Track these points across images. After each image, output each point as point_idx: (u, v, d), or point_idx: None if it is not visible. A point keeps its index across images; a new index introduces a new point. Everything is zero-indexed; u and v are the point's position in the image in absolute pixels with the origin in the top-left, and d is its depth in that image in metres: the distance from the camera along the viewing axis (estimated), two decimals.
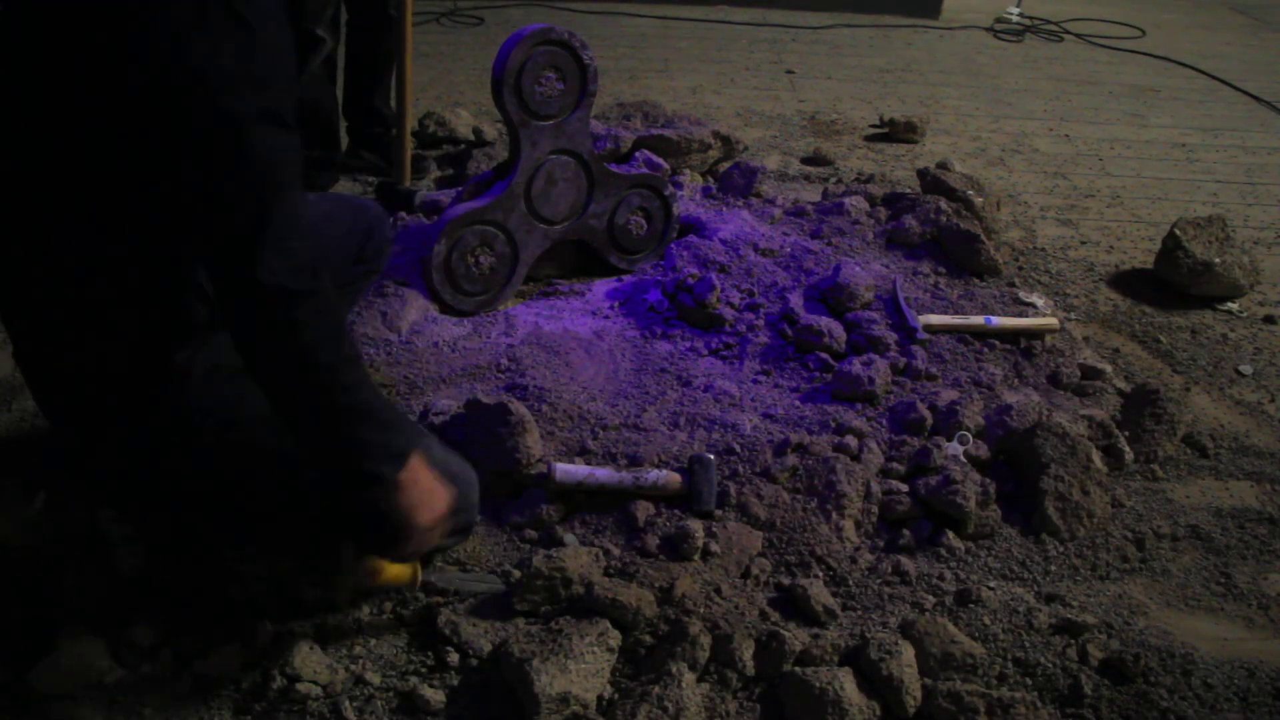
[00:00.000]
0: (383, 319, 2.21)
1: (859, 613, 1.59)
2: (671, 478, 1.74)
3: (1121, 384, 2.19)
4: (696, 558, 1.63)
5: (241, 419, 1.35)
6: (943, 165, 3.02)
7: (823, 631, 1.53)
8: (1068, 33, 5.24)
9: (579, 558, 1.58)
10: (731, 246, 2.48)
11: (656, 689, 1.37)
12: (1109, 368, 2.23)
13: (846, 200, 2.75)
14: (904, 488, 1.79)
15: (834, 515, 1.72)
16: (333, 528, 1.47)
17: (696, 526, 1.66)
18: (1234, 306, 2.64)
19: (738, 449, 1.85)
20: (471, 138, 3.26)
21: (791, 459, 1.81)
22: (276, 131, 1.12)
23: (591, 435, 1.88)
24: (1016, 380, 2.16)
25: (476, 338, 2.23)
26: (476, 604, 1.56)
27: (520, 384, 1.99)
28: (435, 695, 1.40)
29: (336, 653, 1.47)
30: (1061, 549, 1.74)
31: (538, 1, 5.08)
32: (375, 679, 1.43)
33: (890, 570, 1.66)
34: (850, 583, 1.64)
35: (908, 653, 1.44)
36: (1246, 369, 2.37)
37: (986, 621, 1.55)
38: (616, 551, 1.66)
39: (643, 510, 1.72)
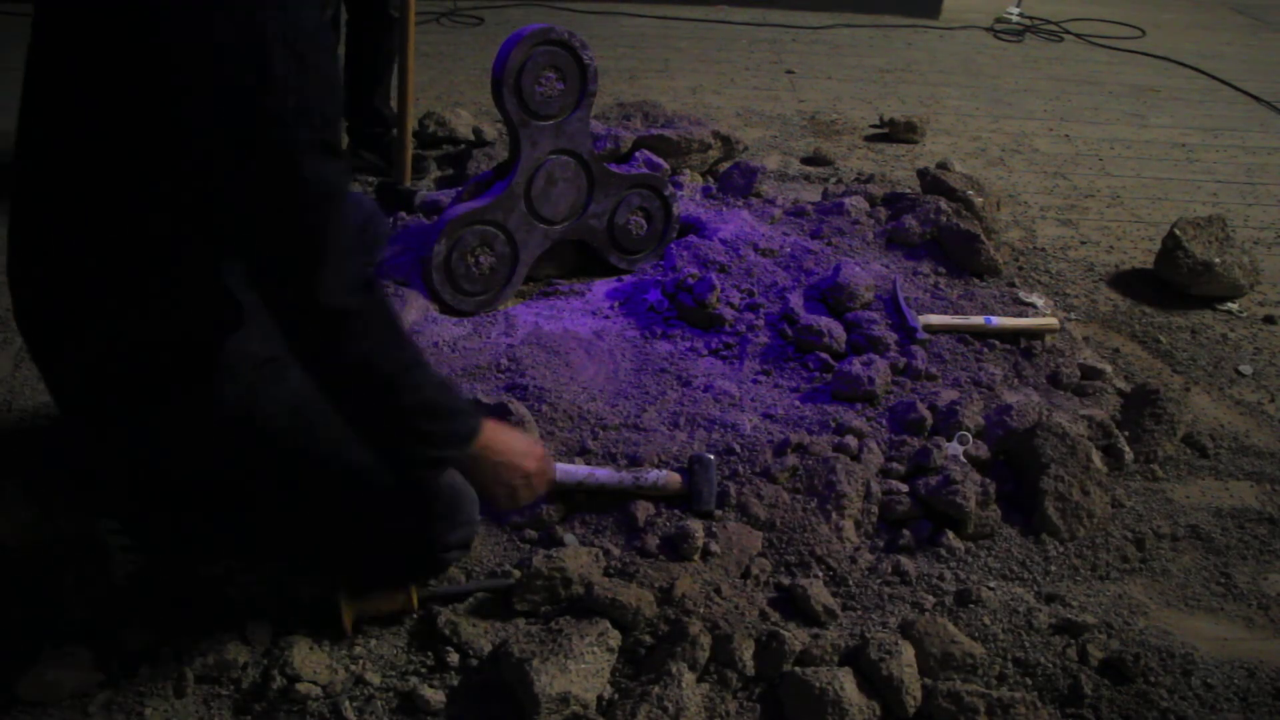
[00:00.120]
0: None
1: (859, 613, 1.59)
2: (671, 478, 1.74)
3: (1121, 384, 2.19)
4: (696, 558, 1.63)
5: (261, 414, 1.37)
6: (943, 165, 3.02)
7: (823, 631, 1.53)
8: (1068, 33, 5.24)
9: (579, 558, 1.58)
10: (731, 246, 2.48)
11: (656, 689, 1.37)
12: (1109, 368, 2.23)
13: (846, 200, 2.75)
14: (904, 488, 1.79)
15: (834, 515, 1.72)
16: (342, 554, 1.49)
17: (696, 526, 1.66)
18: (1234, 306, 2.64)
19: (738, 449, 1.85)
20: (471, 138, 3.26)
21: (791, 459, 1.81)
22: (331, 161, 1.15)
23: (591, 435, 1.88)
24: (1016, 380, 2.16)
25: (476, 338, 2.23)
26: (476, 604, 1.56)
27: (520, 384, 1.99)
28: (435, 695, 1.40)
29: (336, 653, 1.47)
30: (1061, 549, 1.74)
31: (538, 1, 5.08)
32: (375, 679, 1.43)
33: (890, 570, 1.66)
34: (850, 583, 1.64)
35: (908, 653, 1.44)
36: (1246, 369, 2.37)
37: (986, 621, 1.55)
38: (616, 551, 1.66)
39: (643, 510, 1.72)
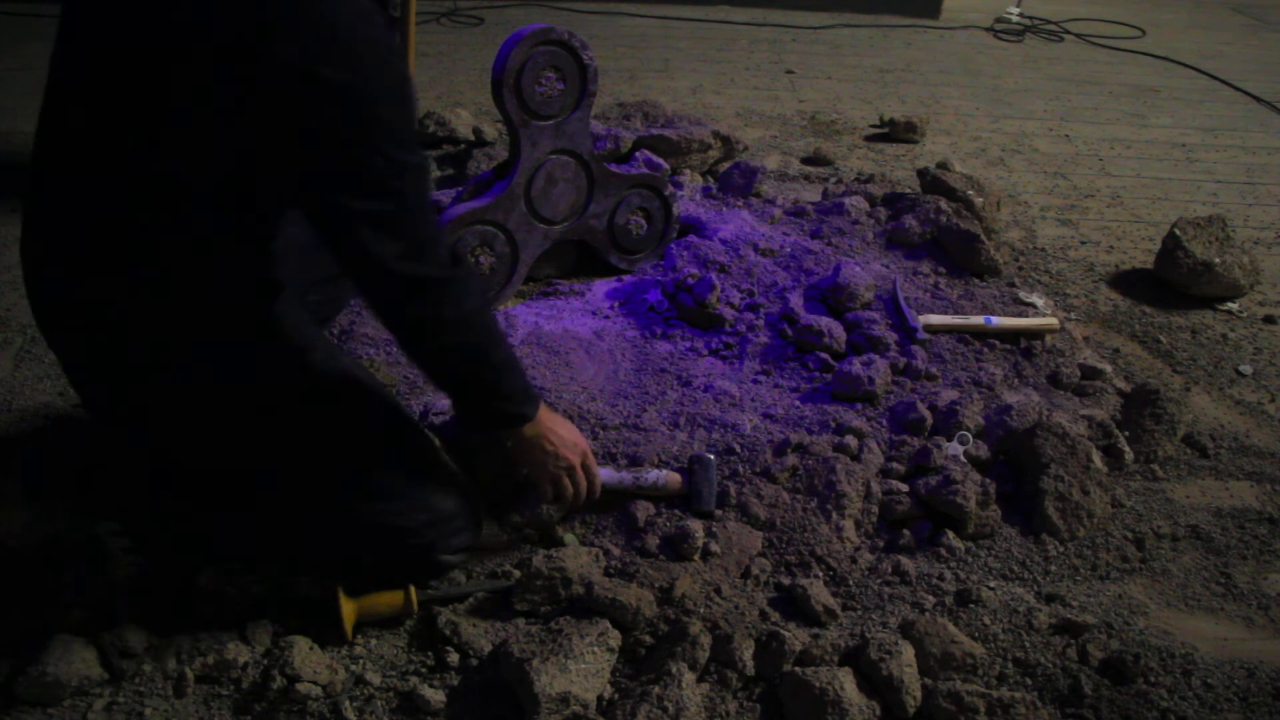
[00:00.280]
0: None
1: (859, 613, 1.59)
2: (672, 477, 1.74)
3: (1121, 384, 2.19)
4: (696, 558, 1.63)
5: (285, 396, 1.41)
6: (943, 165, 3.02)
7: (823, 631, 1.53)
8: (1068, 33, 5.24)
9: (579, 558, 1.58)
10: (731, 246, 2.48)
11: (656, 689, 1.37)
12: (1109, 368, 2.23)
13: (846, 200, 2.75)
14: (904, 488, 1.79)
15: (834, 515, 1.72)
16: (351, 550, 1.50)
17: (696, 526, 1.66)
18: (1234, 306, 2.64)
19: (738, 449, 1.85)
20: (471, 138, 3.26)
21: (791, 459, 1.81)
22: (420, 154, 1.29)
23: (591, 435, 1.88)
24: (1016, 380, 2.16)
25: None
26: (476, 604, 1.56)
27: None
28: (435, 695, 1.40)
29: (336, 653, 1.47)
30: (1061, 549, 1.74)
31: (538, 1, 5.08)
32: (375, 679, 1.43)
33: (890, 570, 1.66)
34: (850, 583, 1.64)
35: (908, 653, 1.44)
36: (1246, 369, 2.37)
37: (986, 621, 1.55)
38: (616, 551, 1.66)
39: (643, 510, 1.72)
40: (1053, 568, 1.71)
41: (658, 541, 1.67)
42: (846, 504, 1.73)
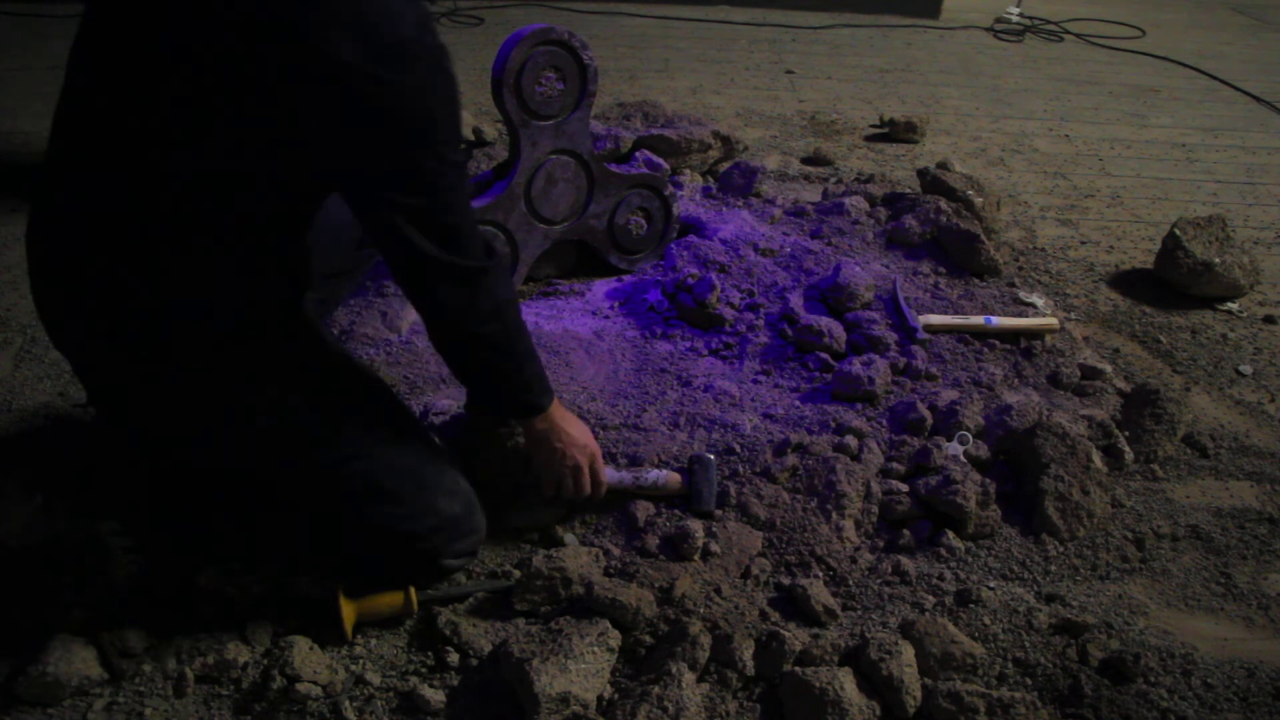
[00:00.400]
0: (383, 319, 2.21)
1: (859, 613, 1.59)
2: (672, 477, 1.74)
3: (1121, 384, 2.19)
4: (696, 558, 1.63)
5: (301, 390, 1.41)
6: (943, 165, 3.02)
7: (823, 631, 1.53)
8: (1068, 33, 5.24)
9: (579, 558, 1.58)
10: (731, 246, 2.48)
11: (656, 689, 1.37)
12: (1109, 368, 2.23)
13: (846, 200, 2.75)
14: (904, 488, 1.79)
15: (834, 515, 1.72)
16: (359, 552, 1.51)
17: (696, 526, 1.66)
18: (1234, 306, 2.64)
19: (738, 449, 1.85)
20: (471, 138, 3.26)
21: (791, 459, 1.81)
22: (462, 151, 1.37)
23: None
24: (1016, 380, 2.16)
25: None
26: (476, 604, 1.56)
27: None
28: (435, 695, 1.40)
29: (336, 653, 1.47)
30: (1061, 549, 1.74)
31: (538, 1, 5.08)
32: (375, 679, 1.43)
33: (890, 570, 1.66)
34: (850, 583, 1.64)
35: (908, 653, 1.44)
36: (1246, 369, 2.37)
37: (986, 621, 1.55)
38: (616, 551, 1.66)
39: (643, 510, 1.72)
40: (1053, 568, 1.71)
41: (658, 541, 1.67)
42: (846, 504, 1.73)
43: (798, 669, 1.42)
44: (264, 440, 1.40)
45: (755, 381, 2.10)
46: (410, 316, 2.23)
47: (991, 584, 1.66)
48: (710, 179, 3.04)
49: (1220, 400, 2.24)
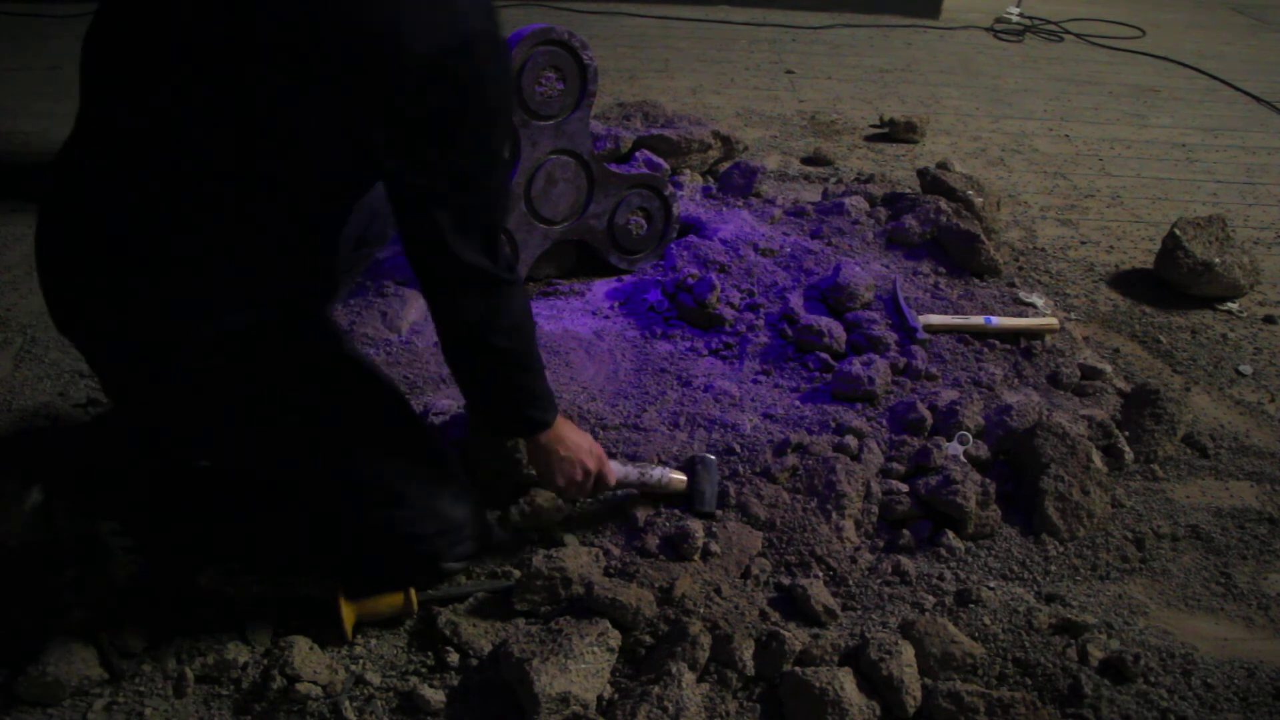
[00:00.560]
0: (383, 319, 2.21)
1: (859, 613, 1.59)
2: (675, 476, 1.74)
3: (1121, 384, 2.19)
4: (696, 558, 1.63)
5: (320, 391, 1.40)
6: (943, 165, 3.02)
7: (823, 631, 1.53)
8: (1068, 33, 5.24)
9: (579, 558, 1.58)
10: (731, 246, 2.48)
11: (656, 689, 1.37)
12: (1109, 368, 2.23)
13: (846, 200, 2.75)
14: (904, 488, 1.79)
15: (834, 515, 1.72)
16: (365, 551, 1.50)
17: (697, 526, 1.66)
18: (1234, 306, 2.64)
19: (738, 449, 1.85)
20: None
21: (791, 459, 1.81)
22: (507, 154, 1.36)
23: (592, 435, 1.88)
24: (1016, 380, 2.16)
25: None
26: (476, 604, 1.56)
27: None
28: (435, 695, 1.40)
29: (336, 653, 1.47)
30: (1061, 549, 1.74)
31: (538, 1, 5.08)
32: (375, 679, 1.43)
33: (890, 570, 1.66)
34: (850, 583, 1.64)
35: (908, 653, 1.44)
36: (1246, 369, 2.37)
37: (986, 621, 1.55)
38: (616, 551, 1.66)
39: (643, 510, 1.72)
40: (1053, 568, 1.71)
41: (658, 541, 1.67)
42: (846, 504, 1.73)
43: (798, 669, 1.42)
44: (276, 438, 1.39)
45: (755, 381, 2.10)
46: (410, 316, 2.23)
47: (991, 584, 1.66)
48: (710, 179, 3.04)
49: (1220, 400, 2.24)
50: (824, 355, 2.13)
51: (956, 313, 2.34)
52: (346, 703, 1.38)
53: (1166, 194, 3.37)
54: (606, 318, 2.34)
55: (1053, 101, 4.20)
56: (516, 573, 1.60)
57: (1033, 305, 2.43)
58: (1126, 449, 1.97)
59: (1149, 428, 2.01)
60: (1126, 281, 2.75)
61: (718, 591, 1.55)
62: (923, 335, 2.19)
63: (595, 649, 1.42)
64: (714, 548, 1.65)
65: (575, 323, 2.29)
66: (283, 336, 1.35)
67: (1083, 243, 2.96)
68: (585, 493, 1.62)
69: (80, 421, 1.93)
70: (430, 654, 1.48)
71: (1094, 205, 3.23)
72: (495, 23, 1.20)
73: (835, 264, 2.38)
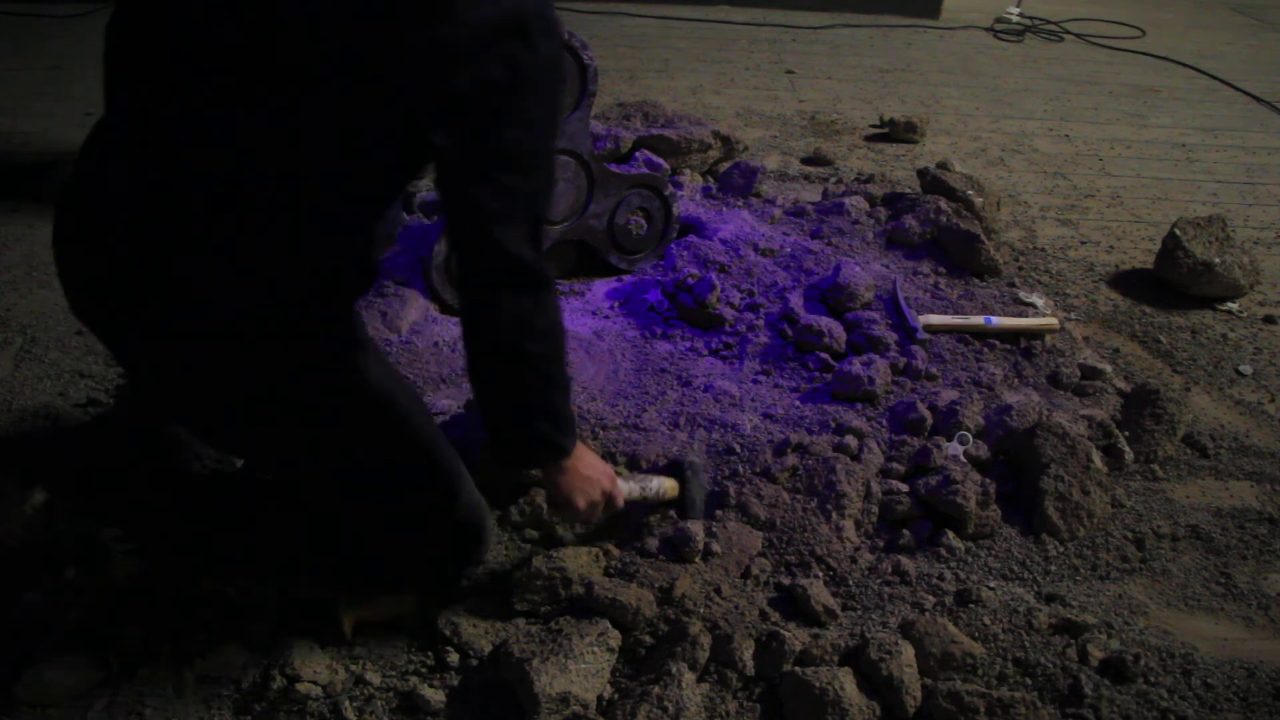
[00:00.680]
0: (383, 319, 2.21)
1: (859, 613, 1.59)
2: (669, 483, 1.71)
3: (1121, 384, 2.19)
4: (697, 559, 1.63)
5: (346, 389, 1.35)
6: (943, 165, 3.02)
7: (823, 631, 1.53)
8: (1068, 33, 5.24)
9: (579, 558, 1.58)
10: (731, 246, 2.48)
11: (656, 689, 1.37)
12: (1109, 368, 2.23)
13: (846, 200, 2.75)
14: (904, 488, 1.79)
15: (834, 515, 1.72)
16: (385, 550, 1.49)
17: (697, 528, 1.65)
18: (1234, 306, 2.64)
19: (738, 449, 1.85)
20: None
21: (791, 459, 1.81)
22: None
23: (591, 435, 1.88)
24: (1016, 380, 2.16)
25: None
26: (476, 604, 1.56)
27: None
28: (435, 695, 1.40)
29: (336, 653, 1.47)
30: (1061, 549, 1.74)
31: None
32: (375, 679, 1.43)
33: (890, 570, 1.66)
34: (850, 583, 1.64)
35: (908, 653, 1.44)
36: (1246, 369, 2.37)
37: (986, 621, 1.55)
38: (616, 551, 1.66)
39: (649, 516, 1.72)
40: (1053, 568, 1.71)
41: (657, 542, 1.67)
42: (846, 504, 1.73)
43: (798, 669, 1.42)
44: (304, 436, 1.36)
45: (755, 381, 2.10)
46: (410, 316, 2.23)
47: (991, 584, 1.66)
48: (710, 179, 3.04)
49: (1220, 400, 2.24)
50: (824, 355, 2.13)
51: (956, 313, 2.34)
52: (346, 703, 1.38)
53: (1166, 194, 3.37)
54: (606, 318, 2.34)
55: (1053, 101, 4.20)
56: (517, 573, 1.60)
57: (1033, 305, 2.43)
58: (1126, 449, 1.97)
59: (1149, 428, 2.01)
60: (1126, 281, 2.75)
61: (718, 591, 1.55)
62: (923, 335, 2.19)
63: (595, 649, 1.42)
64: (714, 548, 1.65)
65: (575, 323, 2.29)
66: (318, 330, 1.31)
67: (1083, 243, 2.96)
68: (598, 515, 1.53)
69: (80, 421, 1.93)
70: (430, 654, 1.48)
71: (1094, 205, 3.23)
72: (548, 4, 1.18)
73: (835, 264, 2.38)
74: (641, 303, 2.38)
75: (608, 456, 1.83)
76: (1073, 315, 2.54)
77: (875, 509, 1.75)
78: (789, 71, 4.38)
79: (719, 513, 1.73)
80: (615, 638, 1.45)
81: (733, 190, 2.87)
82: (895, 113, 3.79)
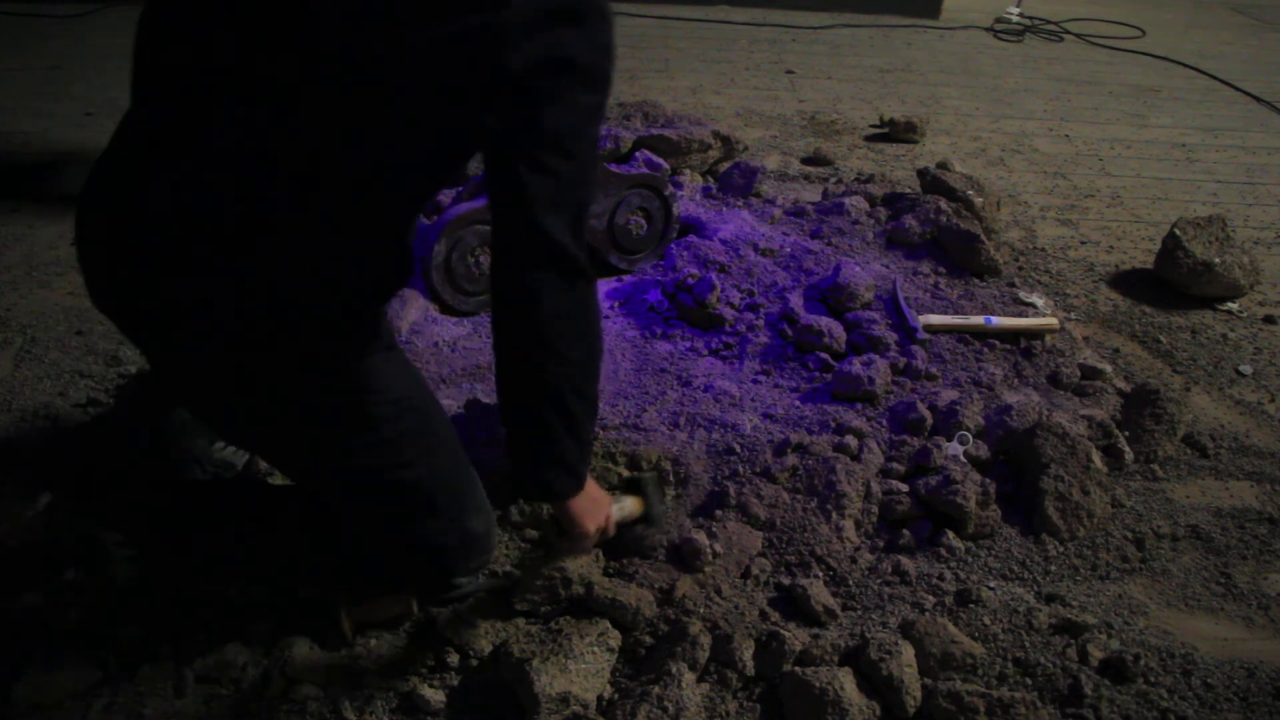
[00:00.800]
0: None
1: (859, 613, 1.59)
2: (635, 502, 1.61)
3: (1121, 384, 2.19)
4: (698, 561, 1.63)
5: (368, 390, 1.32)
6: (943, 165, 3.02)
7: (823, 631, 1.53)
8: (1068, 33, 5.24)
9: (579, 558, 1.58)
10: (731, 246, 2.48)
11: (656, 689, 1.37)
12: (1109, 368, 2.23)
13: (846, 200, 2.75)
14: (904, 488, 1.79)
15: (834, 515, 1.72)
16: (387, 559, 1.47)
17: (701, 537, 1.65)
18: (1234, 306, 2.64)
19: (738, 449, 1.85)
20: None
21: (791, 459, 1.81)
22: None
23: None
24: (1016, 380, 2.16)
25: (476, 338, 2.23)
26: (476, 604, 1.56)
27: None
28: (435, 695, 1.40)
29: (336, 653, 1.47)
30: (1061, 549, 1.74)
31: None
32: (375, 679, 1.43)
33: (890, 570, 1.66)
34: (850, 583, 1.64)
35: (908, 653, 1.44)
36: (1246, 369, 2.37)
37: (986, 621, 1.55)
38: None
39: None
40: (1053, 568, 1.71)
41: (663, 553, 1.66)
42: (846, 504, 1.73)
43: (798, 669, 1.42)
44: (322, 437, 1.33)
45: (755, 381, 2.11)
46: (410, 316, 2.23)
47: (991, 584, 1.66)
48: (710, 179, 3.04)
49: (1220, 400, 2.24)
50: (824, 355, 2.13)
51: (956, 313, 2.34)
52: (346, 703, 1.38)
53: (1166, 194, 3.37)
54: (606, 318, 2.34)
55: (1053, 101, 4.20)
56: (517, 573, 1.60)
57: (1033, 305, 2.43)
58: (1126, 449, 1.97)
59: (1149, 428, 2.01)
60: (1126, 281, 2.75)
61: (718, 591, 1.55)
62: (923, 335, 2.19)
63: (595, 649, 1.42)
64: (714, 548, 1.65)
65: None
66: (346, 329, 1.29)
67: (1083, 243, 2.96)
68: (601, 540, 1.50)
69: (80, 421, 1.93)
70: (430, 654, 1.48)
71: (1094, 205, 3.23)
72: None
73: (835, 264, 2.38)
74: (641, 303, 2.38)
75: (608, 456, 1.83)
76: (1073, 315, 2.54)
77: (875, 509, 1.75)
78: (789, 71, 4.38)
79: (719, 513, 1.73)
80: (615, 638, 1.45)
81: (733, 190, 2.87)
82: (895, 113, 3.79)
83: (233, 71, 1.13)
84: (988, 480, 1.81)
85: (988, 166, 3.48)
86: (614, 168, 2.44)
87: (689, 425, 1.92)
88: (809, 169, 3.31)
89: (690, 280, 2.33)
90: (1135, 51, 5.00)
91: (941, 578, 1.66)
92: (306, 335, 1.25)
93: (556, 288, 1.22)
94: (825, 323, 2.17)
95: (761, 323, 2.25)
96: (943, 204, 2.64)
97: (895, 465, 1.83)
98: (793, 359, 2.16)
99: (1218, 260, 2.62)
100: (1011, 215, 3.07)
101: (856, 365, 2.04)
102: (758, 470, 1.80)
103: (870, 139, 3.67)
